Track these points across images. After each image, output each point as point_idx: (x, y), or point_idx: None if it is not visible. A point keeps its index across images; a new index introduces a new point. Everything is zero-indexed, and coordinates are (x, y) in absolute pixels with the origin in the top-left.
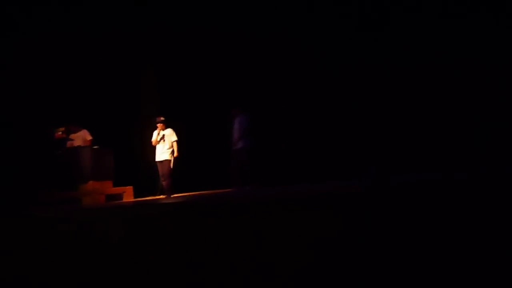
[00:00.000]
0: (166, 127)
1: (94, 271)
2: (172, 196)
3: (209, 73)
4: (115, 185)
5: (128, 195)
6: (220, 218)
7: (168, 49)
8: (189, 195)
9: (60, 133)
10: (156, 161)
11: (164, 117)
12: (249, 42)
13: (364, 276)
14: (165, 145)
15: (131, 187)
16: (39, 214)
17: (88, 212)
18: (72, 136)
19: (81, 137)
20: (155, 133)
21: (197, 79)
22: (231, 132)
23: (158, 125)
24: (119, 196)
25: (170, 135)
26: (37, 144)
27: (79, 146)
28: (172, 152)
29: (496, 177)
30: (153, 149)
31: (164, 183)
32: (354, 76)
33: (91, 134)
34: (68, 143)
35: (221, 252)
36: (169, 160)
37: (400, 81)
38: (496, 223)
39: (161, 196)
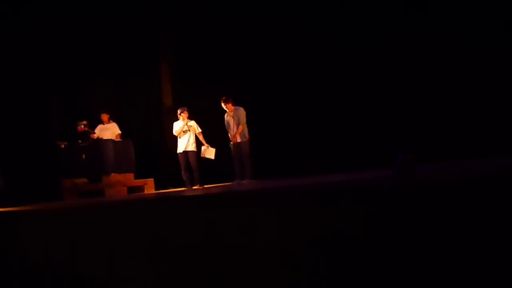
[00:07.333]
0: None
1: None
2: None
3: (228, 64)
4: (136, 177)
5: (149, 187)
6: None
7: (188, 37)
8: (210, 186)
9: (82, 126)
10: (181, 152)
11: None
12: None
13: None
14: (190, 136)
15: (152, 179)
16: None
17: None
18: (102, 127)
19: (111, 130)
20: (178, 123)
21: (215, 69)
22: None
23: (182, 115)
24: (141, 188)
25: (195, 126)
26: (61, 136)
27: (101, 139)
28: (196, 143)
29: None
30: (174, 140)
31: (196, 174)
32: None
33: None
34: (98, 135)
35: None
36: (195, 152)
37: (429, 57)
38: None
39: (196, 187)
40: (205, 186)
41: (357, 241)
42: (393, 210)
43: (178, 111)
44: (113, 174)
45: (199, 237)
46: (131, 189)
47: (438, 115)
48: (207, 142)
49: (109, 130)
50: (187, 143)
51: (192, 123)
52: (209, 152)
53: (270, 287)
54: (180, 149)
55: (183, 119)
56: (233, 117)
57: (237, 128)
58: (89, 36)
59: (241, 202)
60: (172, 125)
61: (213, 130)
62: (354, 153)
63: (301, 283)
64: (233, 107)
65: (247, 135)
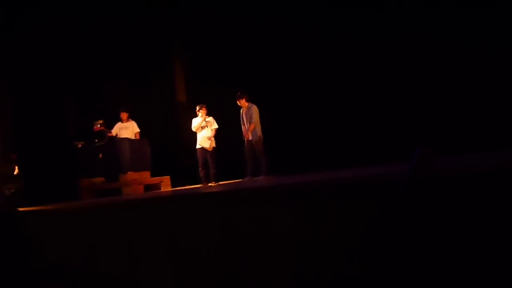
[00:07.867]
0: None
1: None
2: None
3: (241, 62)
4: (152, 175)
5: (165, 185)
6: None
7: (201, 36)
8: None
9: (99, 125)
10: (199, 148)
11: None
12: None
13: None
14: (208, 131)
15: (168, 177)
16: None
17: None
18: (120, 125)
19: (130, 128)
20: (196, 120)
21: (228, 67)
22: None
23: (200, 111)
24: (157, 186)
25: (212, 122)
26: (78, 136)
27: (117, 137)
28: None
29: None
30: (192, 137)
31: (212, 171)
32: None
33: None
34: (116, 133)
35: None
36: (214, 147)
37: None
38: None
39: (211, 184)
40: (220, 183)
41: (375, 236)
42: (411, 204)
43: (197, 108)
44: (129, 173)
45: (216, 233)
46: (148, 187)
47: (456, 108)
48: (220, 138)
49: (128, 129)
50: (205, 139)
51: (210, 119)
52: (206, 142)
53: (286, 284)
54: (198, 145)
55: (202, 115)
56: (246, 114)
57: (249, 125)
58: (104, 37)
59: (257, 198)
60: (187, 122)
61: (226, 127)
62: (370, 147)
63: (318, 279)
64: (247, 104)
65: (258, 133)
